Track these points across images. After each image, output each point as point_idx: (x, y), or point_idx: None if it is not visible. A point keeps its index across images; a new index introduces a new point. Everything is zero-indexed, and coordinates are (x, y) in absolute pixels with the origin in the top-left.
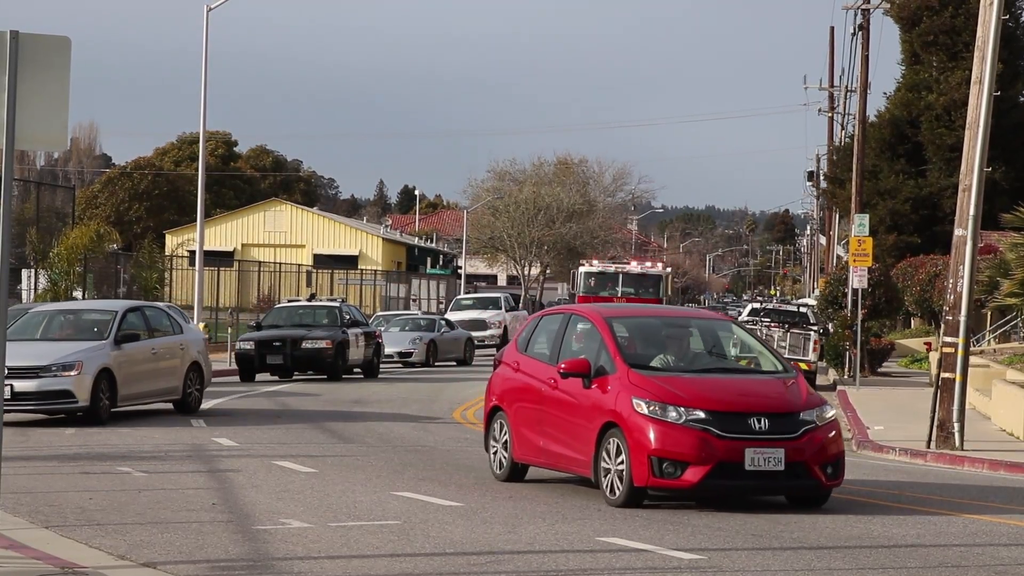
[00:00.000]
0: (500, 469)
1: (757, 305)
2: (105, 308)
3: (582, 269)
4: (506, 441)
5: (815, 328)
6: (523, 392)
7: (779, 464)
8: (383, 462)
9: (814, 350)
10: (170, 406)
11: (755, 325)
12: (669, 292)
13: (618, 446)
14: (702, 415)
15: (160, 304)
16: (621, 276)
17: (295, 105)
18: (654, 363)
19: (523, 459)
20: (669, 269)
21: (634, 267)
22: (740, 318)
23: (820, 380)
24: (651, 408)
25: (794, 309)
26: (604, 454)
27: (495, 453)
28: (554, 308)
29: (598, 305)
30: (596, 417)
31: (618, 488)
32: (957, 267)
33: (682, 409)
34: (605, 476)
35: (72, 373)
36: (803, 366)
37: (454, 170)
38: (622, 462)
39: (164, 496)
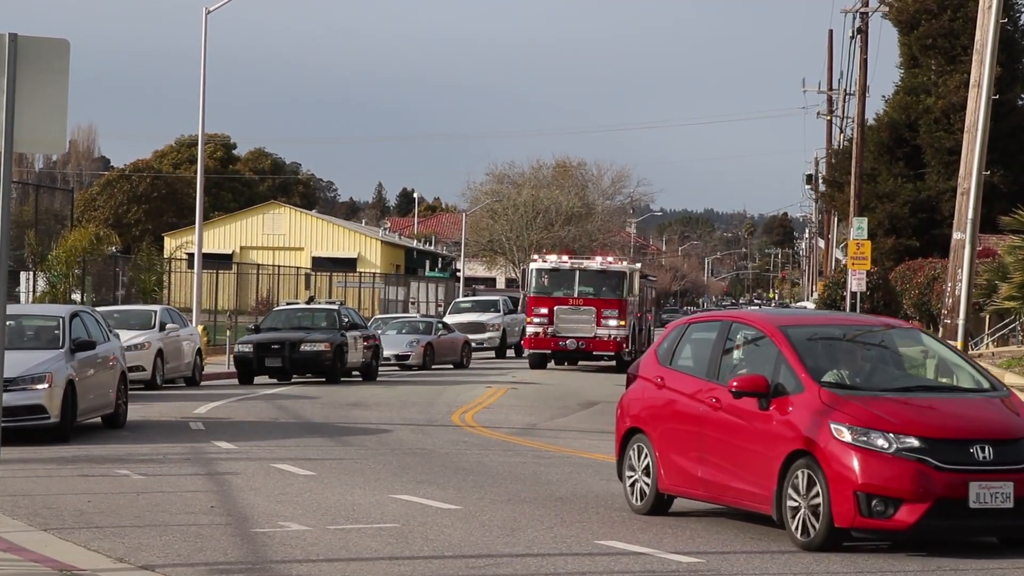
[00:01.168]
0: (640, 500)
1: (755, 307)
2: (49, 314)
3: (533, 266)
4: (647, 467)
5: None
6: (672, 412)
7: (1007, 501)
8: (382, 465)
9: None
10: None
11: None
12: (636, 292)
13: (810, 478)
14: (916, 443)
15: (90, 308)
16: (578, 273)
17: (294, 108)
18: (829, 377)
19: (673, 490)
20: (637, 266)
21: (594, 263)
22: None
23: None
24: (855, 435)
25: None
26: (791, 488)
27: (633, 482)
28: (705, 314)
29: (766, 311)
30: (779, 444)
31: (812, 527)
32: (956, 270)
33: (892, 436)
34: (793, 514)
35: (43, 386)
36: None
37: (453, 173)
38: (817, 497)
39: (162, 499)
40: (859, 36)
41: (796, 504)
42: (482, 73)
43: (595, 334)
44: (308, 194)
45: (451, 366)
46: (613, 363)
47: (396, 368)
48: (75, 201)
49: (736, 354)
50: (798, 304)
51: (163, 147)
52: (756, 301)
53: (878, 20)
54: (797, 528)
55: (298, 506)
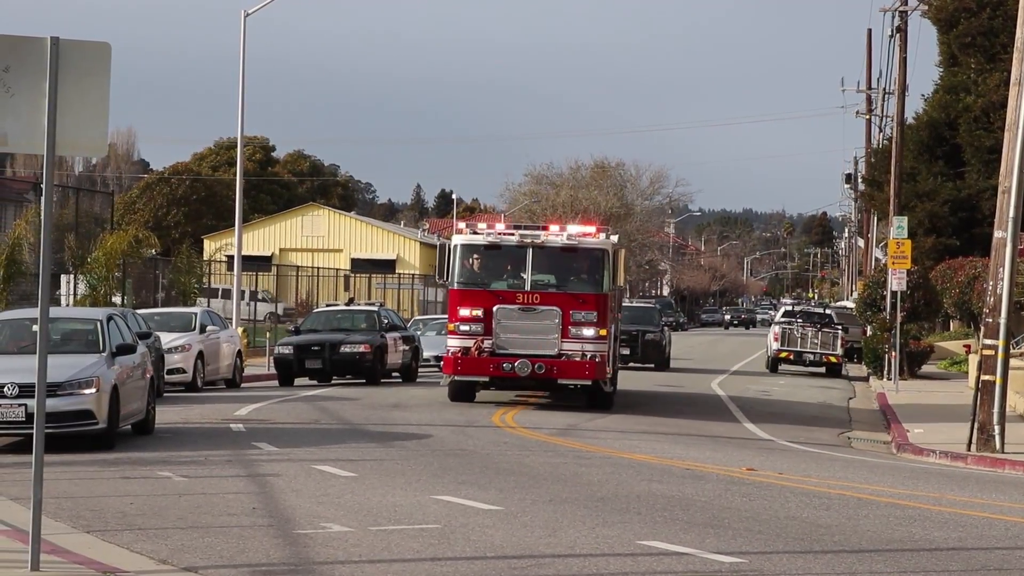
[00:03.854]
0: None
1: (789, 308)
2: (86, 317)
3: (457, 240)
4: None
5: (840, 327)
6: None
7: None
8: (423, 466)
9: (842, 345)
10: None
11: (790, 325)
12: (621, 281)
13: None
14: None
15: (128, 310)
16: (531, 252)
17: (332, 110)
18: None
19: None
20: (615, 238)
21: (556, 236)
22: (775, 319)
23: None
24: None
25: (820, 311)
26: None
27: None
28: None
29: None
30: None
31: None
32: (997, 269)
33: None
34: None
35: (91, 391)
36: (832, 359)
37: (491, 174)
38: None
39: (204, 500)
40: (898, 35)
41: None
42: (520, 75)
43: (559, 350)
44: (347, 196)
45: None
46: (584, 397)
47: (436, 369)
48: (115, 204)
49: None
50: (838, 304)
51: (202, 150)
52: (784, 302)
53: (917, 19)
54: None
55: (340, 507)
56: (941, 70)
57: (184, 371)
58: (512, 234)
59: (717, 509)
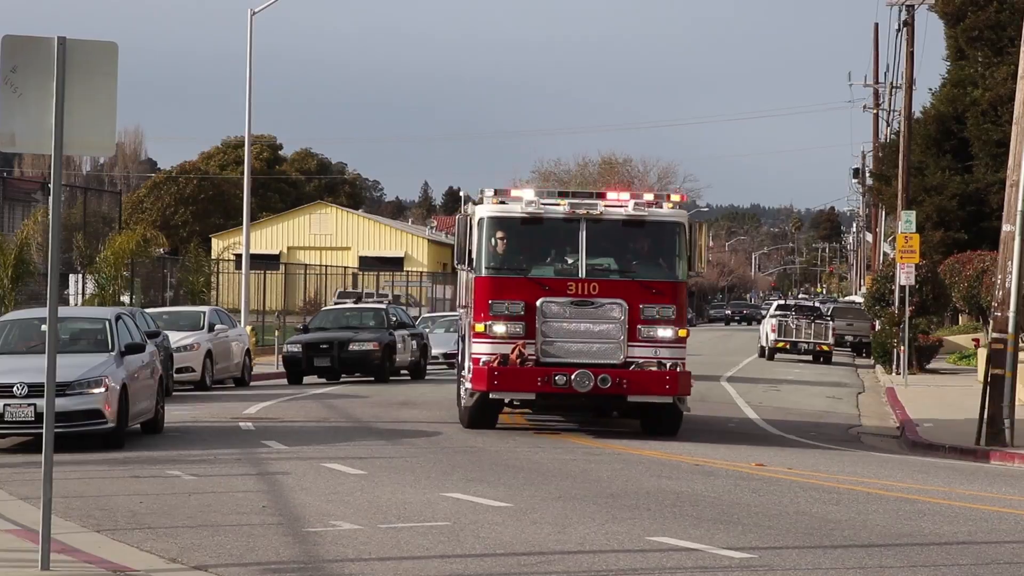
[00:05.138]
0: None
1: (782, 301)
2: (94, 316)
3: (481, 212)
4: None
5: (829, 318)
6: None
7: None
8: (432, 463)
9: (833, 334)
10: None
11: (786, 317)
12: (702, 266)
13: None
14: None
15: (136, 309)
16: (584, 226)
17: (339, 108)
18: None
19: None
20: (687, 214)
21: (619, 206)
22: (769, 312)
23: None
24: None
25: (811, 304)
26: None
27: None
28: None
29: None
30: None
31: None
32: (1005, 263)
33: None
34: None
35: (100, 390)
36: (824, 347)
37: (499, 171)
38: None
39: (214, 499)
40: (905, 29)
41: None
42: (529, 71)
43: (624, 358)
44: (354, 194)
45: None
46: (644, 418)
47: (445, 367)
48: (123, 203)
49: None
50: (847, 298)
51: (209, 148)
52: (802, 296)
53: (924, 13)
54: None
55: (349, 505)
56: (948, 64)
57: (193, 370)
58: (558, 204)
59: (726, 505)
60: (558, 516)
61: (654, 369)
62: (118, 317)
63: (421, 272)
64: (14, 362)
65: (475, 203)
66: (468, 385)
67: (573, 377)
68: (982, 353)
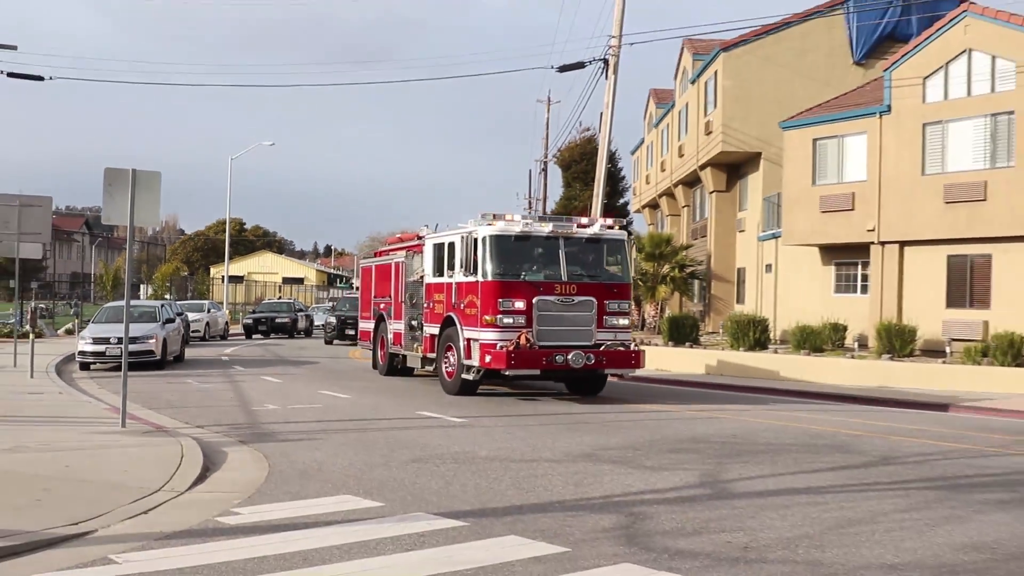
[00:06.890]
0: None
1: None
2: (150, 304)
3: (484, 232)
4: None
5: None
6: None
7: None
8: (315, 377)
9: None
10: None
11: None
12: (634, 272)
13: None
14: None
15: (172, 301)
16: (562, 244)
17: (278, 198)
18: None
19: None
20: (626, 234)
21: (584, 227)
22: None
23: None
24: None
25: None
26: None
27: None
28: None
29: None
30: None
31: None
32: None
33: None
34: None
35: (152, 340)
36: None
37: (361, 231)
38: None
39: (207, 394)
40: (542, 174)
41: None
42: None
43: (595, 341)
44: (281, 246)
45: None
46: (595, 383)
47: (320, 332)
48: (166, 251)
49: None
50: None
51: (213, 222)
52: None
53: (553, 165)
54: None
55: (273, 396)
56: (563, 189)
57: (199, 331)
58: (544, 226)
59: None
60: (374, 403)
61: (622, 349)
62: (162, 305)
63: (313, 285)
64: (111, 327)
65: (479, 225)
66: (472, 363)
67: (570, 356)
68: None
